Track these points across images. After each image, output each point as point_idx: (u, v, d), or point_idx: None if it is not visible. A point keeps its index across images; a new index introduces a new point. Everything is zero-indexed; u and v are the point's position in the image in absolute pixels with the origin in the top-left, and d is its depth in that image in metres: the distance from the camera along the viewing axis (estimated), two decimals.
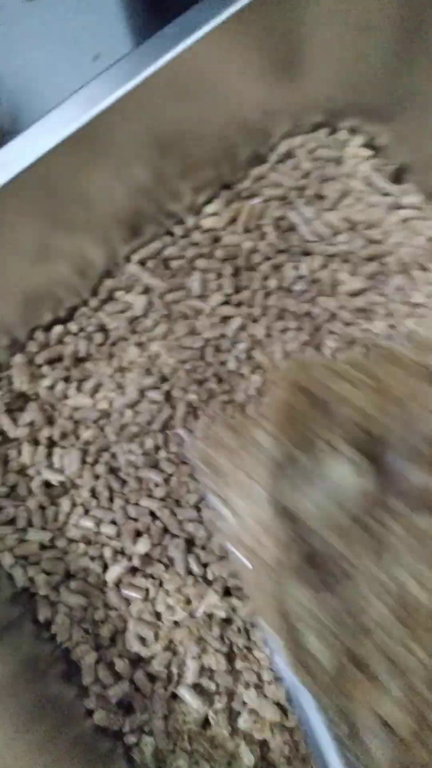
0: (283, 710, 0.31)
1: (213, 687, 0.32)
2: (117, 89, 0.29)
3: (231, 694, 0.32)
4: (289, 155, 0.39)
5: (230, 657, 0.32)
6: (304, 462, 0.22)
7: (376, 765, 0.20)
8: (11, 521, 0.35)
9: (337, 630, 0.20)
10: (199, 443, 0.26)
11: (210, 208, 0.38)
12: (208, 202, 0.39)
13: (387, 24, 0.33)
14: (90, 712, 0.32)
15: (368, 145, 0.40)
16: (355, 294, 0.37)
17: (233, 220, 0.38)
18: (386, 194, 0.39)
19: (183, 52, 0.30)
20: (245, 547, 0.23)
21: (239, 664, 0.32)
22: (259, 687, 0.32)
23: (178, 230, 0.38)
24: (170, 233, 0.39)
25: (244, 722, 0.31)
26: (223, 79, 0.34)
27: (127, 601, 0.33)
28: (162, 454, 0.36)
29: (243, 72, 0.34)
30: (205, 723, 0.32)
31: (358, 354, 0.34)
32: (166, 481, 0.35)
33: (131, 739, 0.32)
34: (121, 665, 0.32)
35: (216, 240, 0.38)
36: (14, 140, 0.29)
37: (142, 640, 0.33)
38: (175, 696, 0.32)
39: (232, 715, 0.31)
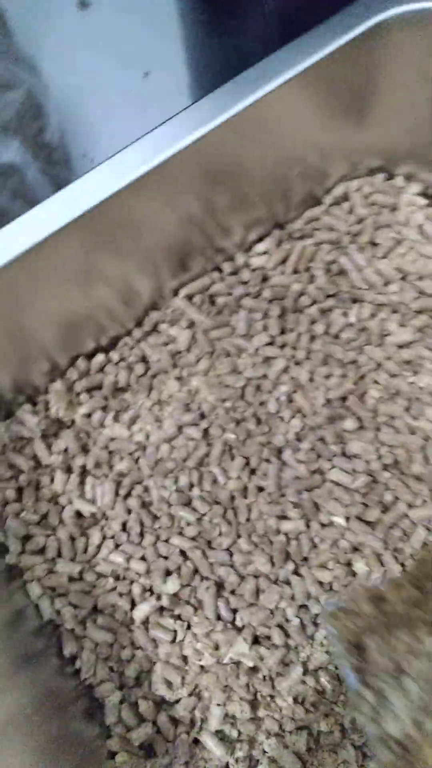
0: (303, 761, 0.33)
1: (235, 734, 0.33)
2: (191, 132, 0.31)
3: (252, 742, 0.33)
4: (344, 198, 0.41)
5: (254, 704, 0.34)
6: None
7: None
8: (41, 551, 0.37)
9: None
10: (340, 614, 0.25)
11: (261, 247, 0.40)
12: (259, 240, 0.40)
13: None
14: (112, 754, 0.34)
15: (424, 193, 0.41)
16: (402, 346, 0.39)
17: (283, 261, 0.40)
18: None
19: (258, 99, 0.32)
20: (390, 747, 0.21)
21: (262, 712, 0.34)
22: (280, 736, 0.34)
23: (227, 267, 0.40)
24: (219, 269, 0.40)
25: None
26: (287, 122, 0.36)
27: (155, 642, 0.35)
28: (196, 492, 0.38)
29: (308, 116, 0.36)
30: None
31: None
32: (199, 520, 0.37)
33: None
34: (145, 707, 0.34)
35: (264, 279, 0.40)
36: (90, 174, 0.31)
37: (169, 684, 0.34)
38: (197, 741, 0.34)
39: (251, 763, 0.33)
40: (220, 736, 0.34)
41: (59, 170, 0.45)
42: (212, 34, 0.46)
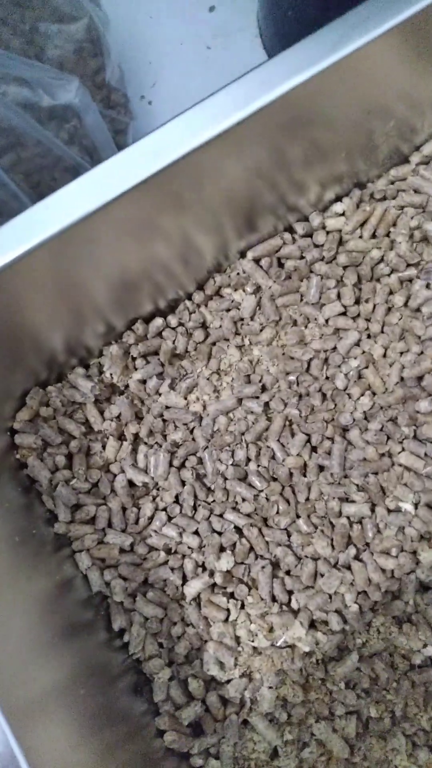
0: (351, 746, 0.38)
1: (285, 717, 0.39)
2: (272, 89, 0.35)
3: (301, 725, 0.39)
4: None
5: (305, 688, 0.39)
6: None
7: None
8: (91, 520, 0.42)
9: None
10: None
11: (338, 207, 0.44)
12: (337, 200, 0.44)
13: None
14: (161, 732, 0.39)
15: None
16: None
17: (362, 224, 0.44)
18: None
19: (352, 51, 0.35)
20: None
21: (313, 696, 0.39)
22: (329, 720, 0.39)
23: (299, 228, 0.44)
24: (290, 230, 0.44)
25: (309, 753, 0.38)
26: (378, 73, 0.39)
27: (207, 620, 0.40)
28: (253, 467, 0.43)
29: (402, 67, 0.39)
30: (274, 753, 0.39)
31: None
32: (256, 497, 0.42)
33: (198, 761, 0.39)
34: (195, 686, 0.40)
35: (340, 243, 0.44)
36: (159, 132, 0.35)
37: (221, 664, 0.40)
38: (246, 722, 0.40)
39: (300, 746, 0.39)
40: (270, 718, 0.39)
41: (118, 113, 0.50)
42: None
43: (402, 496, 0.41)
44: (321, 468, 0.42)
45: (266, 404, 0.43)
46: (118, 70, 0.51)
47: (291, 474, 0.42)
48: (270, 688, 0.39)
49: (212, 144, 0.35)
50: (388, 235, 0.44)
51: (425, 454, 0.41)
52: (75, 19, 0.45)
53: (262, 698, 0.39)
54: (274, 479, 0.43)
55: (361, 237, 0.44)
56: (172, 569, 0.42)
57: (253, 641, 0.40)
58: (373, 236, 0.44)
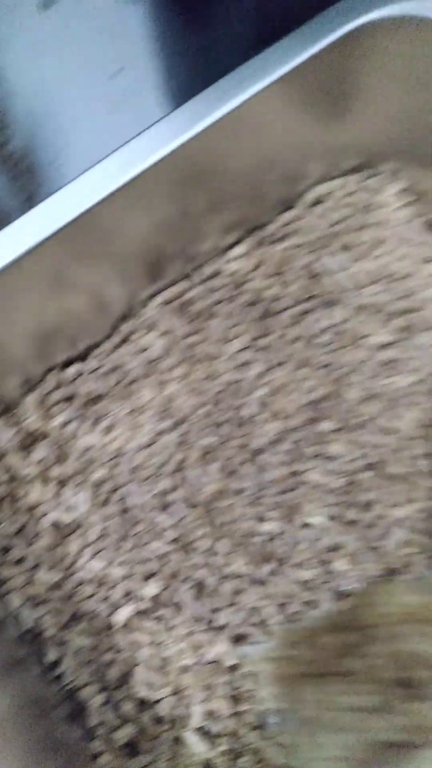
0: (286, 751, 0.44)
1: (217, 729, 0.44)
2: (170, 142, 0.42)
3: (234, 736, 0.44)
4: (321, 200, 0.52)
5: (235, 699, 0.45)
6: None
7: None
8: (19, 561, 0.48)
9: None
10: (273, 656, 0.37)
11: (236, 251, 0.52)
12: (234, 244, 0.52)
13: (415, 74, 0.46)
14: (95, 756, 0.44)
15: (407, 190, 0.53)
16: (381, 347, 0.50)
17: (259, 265, 0.51)
18: (421, 244, 0.52)
19: (239, 105, 0.42)
20: None
21: (244, 706, 0.45)
22: (261, 728, 0.45)
23: (201, 273, 0.52)
24: (193, 275, 0.52)
25: (243, 762, 0.43)
26: (266, 126, 0.47)
27: (136, 644, 0.46)
28: (174, 496, 0.49)
29: (287, 119, 0.47)
30: (208, 765, 0.45)
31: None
32: (178, 524, 0.48)
33: None
34: (127, 708, 0.45)
35: (240, 284, 0.52)
36: (66, 188, 0.42)
37: (151, 685, 0.45)
38: (177, 739, 0.45)
39: (234, 756, 0.44)
40: (203, 732, 0.45)
41: (26, 181, 0.57)
42: (187, 36, 0.58)
43: (313, 511, 0.47)
44: (239, 491, 0.49)
45: (183, 436, 0.50)
46: (25, 139, 0.59)
47: (211, 500, 0.49)
48: (200, 703, 0.45)
49: (114, 197, 0.42)
50: (283, 273, 0.52)
51: (332, 471, 0.48)
52: None
53: (193, 713, 0.45)
54: (195, 506, 0.49)
55: (258, 277, 0.51)
56: (102, 599, 0.47)
57: (181, 660, 0.45)
58: (270, 276, 0.52)
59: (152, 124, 0.44)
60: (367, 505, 0.47)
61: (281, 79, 0.43)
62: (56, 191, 0.43)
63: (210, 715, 0.45)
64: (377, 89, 0.46)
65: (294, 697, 0.41)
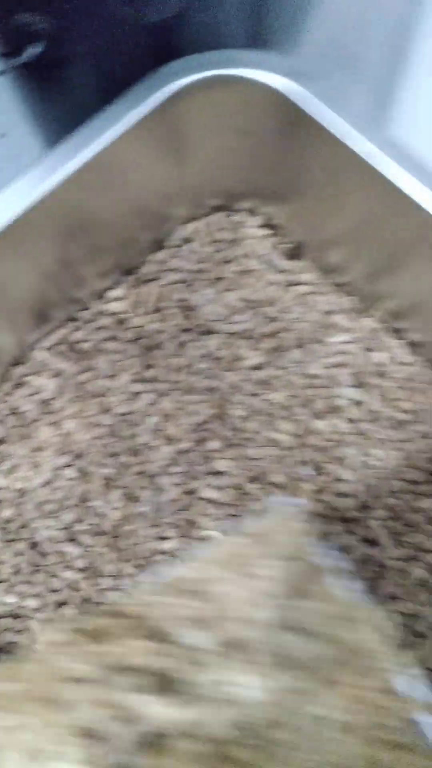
0: None
1: None
2: (36, 189, 0.45)
3: None
4: (188, 239, 0.57)
5: None
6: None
7: None
8: None
9: None
10: None
11: (114, 294, 0.56)
12: (113, 287, 0.55)
13: (260, 126, 0.51)
14: None
15: (266, 225, 0.58)
16: (255, 368, 0.54)
17: (137, 304, 0.55)
18: (283, 271, 0.57)
19: (93, 157, 0.47)
20: None
21: None
22: None
23: (85, 315, 0.55)
24: (78, 318, 0.55)
25: None
26: (125, 174, 0.51)
27: None
28: (80, 527, 0.52)
29: (144, 168, 0.51)
30: None
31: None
32: (86, 552, 0.51)
33: None
34: None
35: (121, 322, 0.55)
36: None
37: None
38: None
39: None
40: None
41: None
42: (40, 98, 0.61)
43: (207, 525, 0.51)
44: (139, 515, 0.52)
45: (82, 469, 0.53)
46: None
47: (115, 526, 0.52)
48: None
49: None
50: (161, 309, 0.55)
51: (221, 486, 0.51)
52: None
53: None
54: (100, 534, 0.51)
55: (138, 315, 0.55)
56: (18, 632, 0.49)
57: None
58: (149, 313, 0.55)
59: (13, 179, 0.46)
60: (258, 515, 0.51)
61: (133, 128, 0.47)
62: None
63: None
64: (213, 138, 0.51)
65: None
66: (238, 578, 0.32)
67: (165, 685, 0.29)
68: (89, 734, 0.28)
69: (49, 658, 0.32)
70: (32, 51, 0.46)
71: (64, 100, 0.51)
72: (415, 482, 0.52)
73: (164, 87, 0.48)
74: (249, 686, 0.29)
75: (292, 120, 0.49)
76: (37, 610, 0.50)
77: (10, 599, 0.50)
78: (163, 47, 0.50)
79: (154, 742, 0.28)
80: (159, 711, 0.28)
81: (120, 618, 0.33)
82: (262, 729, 0.29)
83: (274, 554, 0.34)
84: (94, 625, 0.33)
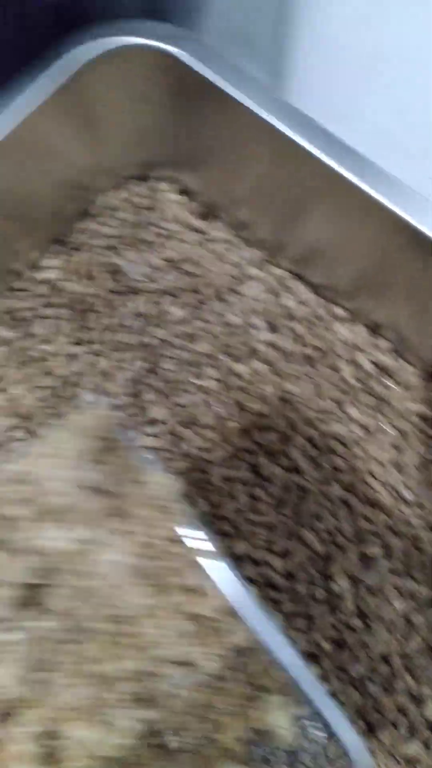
0: None
1: None
2: None
3: None
4: (111, 207, 0.58)
5: None
6: None
7: None
8: None
9: None
10: None
11: (47, 263, 0.56)
12: (46, 256, 0.56)
13: (164, 96, 0.51)
14: None
15: (180, 190, 0.59)
16: (180, 322, 0.56)
17: (68, 270, 0.56)
18: (198, 230, 0.58)
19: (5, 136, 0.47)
20: None
21: None
22: None
23: (21, 285, 0.56)
24: (15, 288, 0.56)
25: None
26: (43, 150, 0.51)
27: None
28: None
29: (60, 143, 0.52)
30: None
31: None
32: None
33: None
34: None
35: (56, 289, 0.56)
36: None
37: None
38: None
39: None
40: None
41: None
42: None
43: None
44: None
45: (30, 430, 0.54)
46: None
47: None
48: None
49: None
50: (90, 274, 0.56)
51: (157, 433, 0.54)
52: None
53: None
54: None
55: (70, 281, 0.56)
56: None
57: None
58: (81, 278, 0.56)
59: None
60: (192, 456, 0.53)
61: (44, 104, 0.47)
62: None
63: None
64: (122, 110, 0.51)
65: None
66: (54, 460, 0.36)
67: None
68: None
69: None
70: None
71: None
72: (325, 411, 0.56)
73: (71, 59, 0.47)
74: (54, 538, 0.33)
75: (196, 89, 0.49)
76: None
77: None
78: (58, 25, 0.50)
79: None
80: None
81: None
82: (65, 575, 0.32)
83: (81, 435, 0.38)
84: None
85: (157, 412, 0.55)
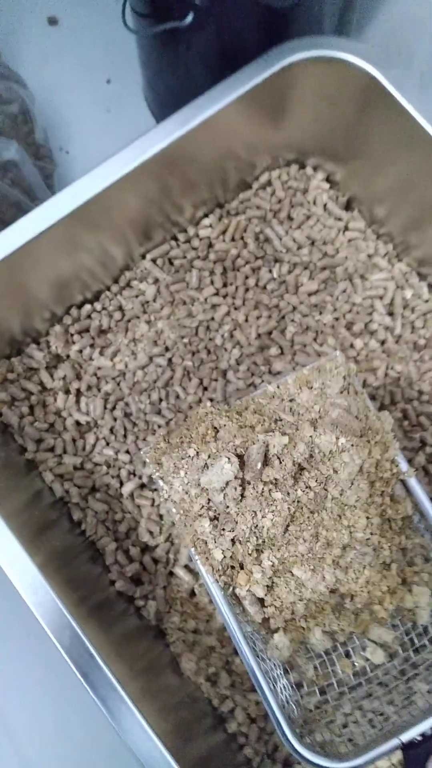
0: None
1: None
2: (157, 144, 0.52)
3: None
4: (268, 184, 0.63)
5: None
6: (207, 461, 0.44)
7: (252, 618, 0.45)
8: (51, 449, 0.58)
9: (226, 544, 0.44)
10: (150, 451, 0.48)
11: (206, 221, 0.62)
12: (205, 216, 0.62)
13: (345, 99, 0.57)
14: (112, 582, 0.55)
15: (328, 179, 0.64)
16: (311, 293, 0.61)
17: (223, 232, 0.62)
18: (338, 219, 0.64)
19: (207, 118, 0.53)
20: (177, 507, 0.46)
21: None
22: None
23: (181, 237, 0.62)
24: (175, 239, 0.62)
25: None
26: (229, 133, 0.57)
27: (139, 508, 0.57)
28: (164, 404, 0.59)
29: (241, 126, 0.57)
30: (192, 593, 0.56)
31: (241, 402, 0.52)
32: (167, 423, 0.59)
33: (140, 603, 0.55)
34: (134, 551, 0.56)
35: (210, 246, 0.62)
36: (81, 179, 0.52)
37: (151, 534, 0.56)
38: (171, 573, 0.56)
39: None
40: (188, 569, 0.56)
41: (45, 162, 0.66)
42: (163, 64, 0.67)
43: None
44: (211, 400, 0.60)
45: (170, 360, 0.60)
46: (43, 131, 0.67)
47: (190, 407, 0.59)
48: (185, 547, 0.56)
49: (116, 185, 0.52)
50: (241, 238, 0.62)
51: (273, 380, 0.59)
52: (11, 101, 0.61)
53: (180, 555, 0.56)
54: (179, 411, 0.59)
55: (223, 241, 0.62)
56: (112, 477, 0.58)
57: (171, 517, 0.56)
58: (232, 240, 0.62)
59: (147, 131, 0.53)
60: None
61: (236, 100, 0.53)
62: (75, 180, 0.52)
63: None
64: (302, 107, 0.56)
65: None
66: (304, 390, 0.48)
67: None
68: (235, 453, 0.44)
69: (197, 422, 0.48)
70: (187, 20, 0.51)
71: (197, 62, 0.57)
72: (421, 392, 0.60)
73: (275, 64, 0.53)
74: (323, 439, 0.44)
75: (372, 96, 0.54)
76: (126, 462, 0.59)
77: (108, 452, 0.58)
78: (278, 27, 0.56)
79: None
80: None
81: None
82: (322, 465, 0.44)
83: (325, 377, 0.48)
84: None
85: (279, 365, 0.60)
